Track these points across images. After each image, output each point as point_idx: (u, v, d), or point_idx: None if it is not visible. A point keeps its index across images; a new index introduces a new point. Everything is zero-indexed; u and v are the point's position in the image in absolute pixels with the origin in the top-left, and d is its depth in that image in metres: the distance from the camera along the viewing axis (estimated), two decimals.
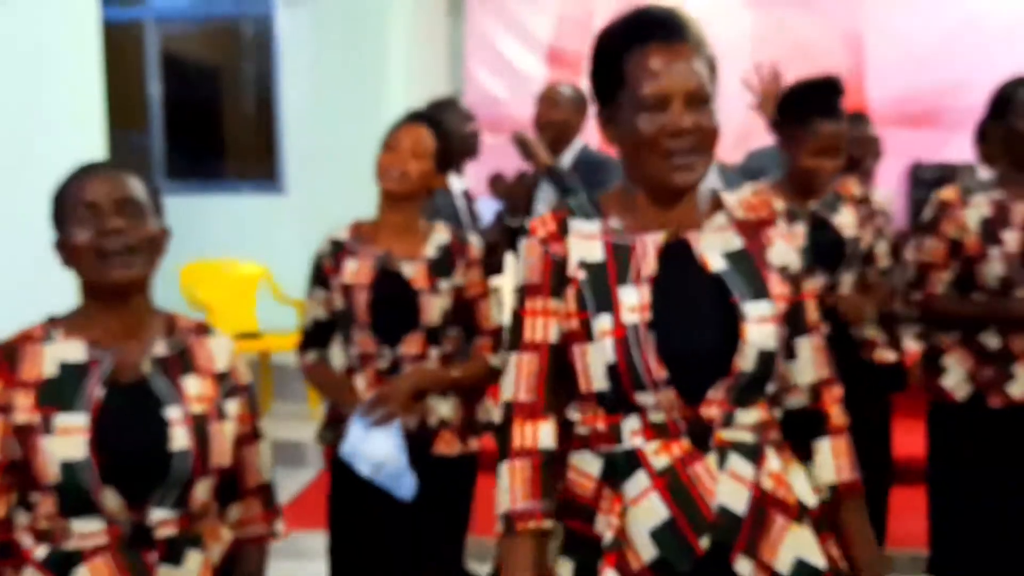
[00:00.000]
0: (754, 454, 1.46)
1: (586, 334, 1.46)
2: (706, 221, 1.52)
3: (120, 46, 7.22)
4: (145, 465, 1.53)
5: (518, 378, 1.51)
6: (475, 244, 2.53)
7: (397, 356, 2.40)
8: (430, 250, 2.44)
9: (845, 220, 2.83)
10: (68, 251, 1.55)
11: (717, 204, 1.55)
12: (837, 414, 1.58)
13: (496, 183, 4.12)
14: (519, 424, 1.50)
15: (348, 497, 2.46)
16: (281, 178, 6.74)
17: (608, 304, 1.44)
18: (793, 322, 1.54)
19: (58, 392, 1.52)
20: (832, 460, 1.55)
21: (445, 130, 2.51)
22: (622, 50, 1.46)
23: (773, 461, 1.48)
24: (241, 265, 5.93)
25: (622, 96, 1.46)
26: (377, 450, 2.28)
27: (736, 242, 1.51)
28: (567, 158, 3.58)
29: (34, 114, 3.06)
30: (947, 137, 6.41)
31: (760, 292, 1.47)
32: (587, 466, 1.49)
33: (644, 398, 1.43)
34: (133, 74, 6.99)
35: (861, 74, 7.19)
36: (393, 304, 2.39)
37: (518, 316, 1.53)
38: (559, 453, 1.52)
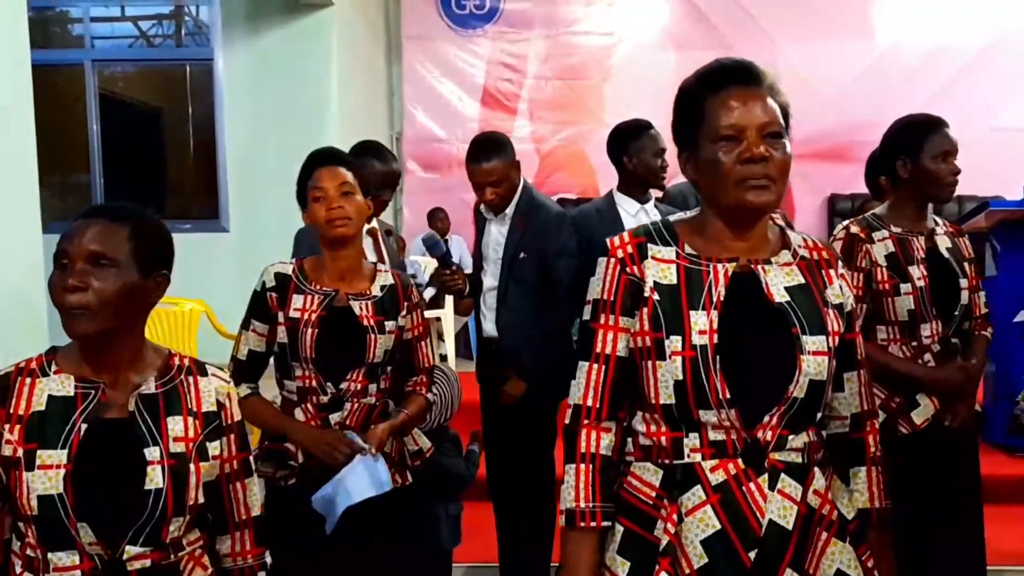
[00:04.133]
0: (802, 474, 1.55)
1: (658, 352, 1.54)
2: (773, 256, 1.61)
3: (61, 87, 7.29)
4: (119, 503, 1.54)
5: (587, 385, 1.62)
6: (416, 287, 2.59)
7: (339, 391, 2.40)
8: (376, 290, 2.46)
9: None
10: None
11: (784, 242, 1.65)
12: (875, 444, 1.68)
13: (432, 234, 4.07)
14: (585, 429, 1.61)
15: (283, 526, 2.39)
16: (223, 216, 6.86)
17: (680, 326, 1.53)
18: (843, 357, 1.62)
19: (43, 426, 1.54)
20: (867, 487, 1.66)
21: (349, 160, 2.52)
22: (705, 92, 1.56)
23: (819, 480, 1.58)
24: (182, 302, 6.00)
25: (701, 134, 1.56)
26: (354, 486, 2.33)
27: (799, 278, 1.59)
28: (513, 204, 3.52)
29: None
30: (858, 171, 6.73)
31: (818, 326, 1.55)
32: (649, 476, 1.58)
33: (707, 416, 1.52)
34: (74, 115, 7.04)
35: None
36: (341, 341, 2.38)
37: (590, 328, 1.63)
38: (620, 459, 1.63)
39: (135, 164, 7.53)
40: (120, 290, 1.56)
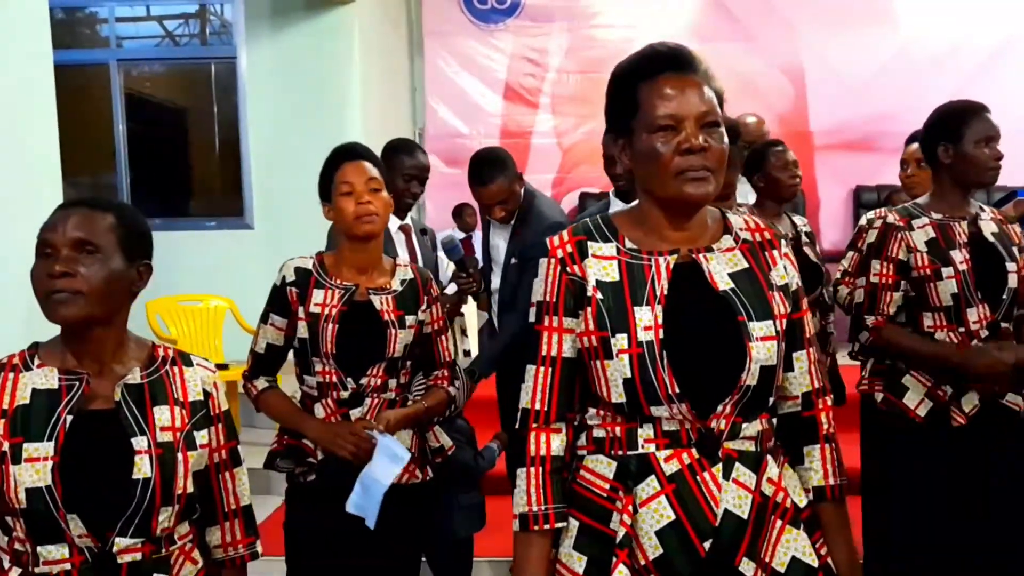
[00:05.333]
0: (756, 462, 1.55)
1: (605, 351, 1.53)
2: (714, 243, 1.60)
3: (87, 88, 7.36)
4: (108, 493, 1.55)
5: (535, 389, 1.60)
6: (435, 282, 2.60)
7: (359, 386, 2.40)
8: (396, 284, 2.46)
9: None
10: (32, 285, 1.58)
11: (724, 226, 1.63)
12: (827, 422, 1.66)
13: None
14: (534, 432, 1.60)
15: (306, 525, 2.47)
16: (248, 214, 6.90)
17: (625, 324, 1.52)
18: (791, 337, 1.61)
19: (28, 420, 1.55)
20: (821, 465, 1.64)
21: (374, 156, 2.53)
22: (637, 80, 1.54)
23: (772, 468, 1.57)
24: (207, 299, 6.05)
25: (636, 123, 1.53)
26: (379, 472, 2.33)
27: (742, 262, 1.58)
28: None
29: None
30: (884, 161, 6.70)
31: (764, 311, 1.54)
32: (602, 468, 1.57)
33: (658, 411, 1.51)
34: (100, 115, 7.10)
35: (803, 105, 7.52)
36: (361, 336, 2.38)
37: (535, 331, 1.61)
38: (571, 455, 1.62)
39: (161, 163, 7.59)
40: (107, 276, 1.57)
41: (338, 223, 2.44)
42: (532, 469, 1.59)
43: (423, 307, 2.50)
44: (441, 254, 3.68)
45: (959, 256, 2.64)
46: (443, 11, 7.89)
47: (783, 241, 1.65)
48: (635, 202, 1.65)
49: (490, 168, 3.43)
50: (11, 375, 1.59)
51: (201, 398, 1.69)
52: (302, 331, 2.39)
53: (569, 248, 1.59)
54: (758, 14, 7.57)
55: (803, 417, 1.65)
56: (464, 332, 6.27)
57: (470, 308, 5.80)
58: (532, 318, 1.63)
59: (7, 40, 3.18)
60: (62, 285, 1.53)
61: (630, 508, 1.52)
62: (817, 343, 1.70)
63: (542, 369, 1.60)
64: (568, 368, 1.60)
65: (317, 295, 2.39)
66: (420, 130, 8.02)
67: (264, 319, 2.47)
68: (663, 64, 1.53)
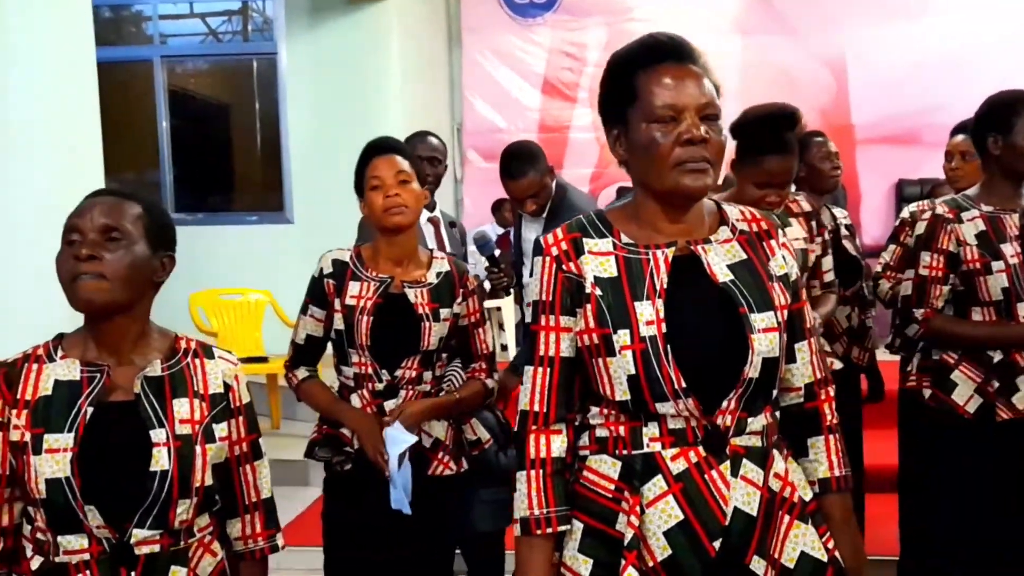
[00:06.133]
0: (762, 457, 1.52)
1: (607, 348, 1.49)
2: (711, 234, 1.57)
3: (131, 84, 7.48)
4: (126, 485, 1.55)
5: (533, 390, 1.57)
6: (472, 274, 2.60)
7: (394, 378, 2.42)
8: (431, 277, 2.48)
9: (795, 232, 2.83)
10: (56, 272, 1.59)
11: (721, 218, 1.60)
12: (830, 413, 1.63)
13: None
14: (533, 434, 1.56)
15: (343, 515, 2.50)
16: (288, 208, 6.96)
17: (626, 319, 1.48)
18: (792, 328, 1.58)
19: (49, 411, 1.56)
20: (826, 456, 1.61)
21: (405, 149, 2.54)
22: (635, 69, 1.50)
23: (778, 462, 1.54)
24: (247, 292, 6.12)
25: (632, 113, 1.50)
26: (394, 464, 2.35)
27: (740, 253, 1.55)
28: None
29: (35, 152, 3.17)
30: (928, 154, 6.60)
31: (765, 302, 1.51)
32: (606, 468, 1.53)
33: (664, 407, 1.48)
34: (144, 111, 7.20)
35: (845, 98, 7.43)
36: (395, 328, 2.40)
37: (532, 331, 1.59)
38: (573, 456, 1.59)
39: (203, 159, 7.69)
40: (131, 263, 1.58)
41: (370, 217, 2.47)
42: (532, 472, 1.56)
43: (459, 300, 2.51)
44: (472, 248, 3.69)
45: (1010, 250, 2.59)
46: (481, 6, 7.90)
47: (780, 231, 1.63)
48: (626, 198, 1.63)
49: (520, 162, 3.43)
50: (35, 366, 1.60)
51: (222, 391, 1.69)
52: (338, 323, 2.42)
53: (564, 246, 1.56)
54: (799, 6, 7.49)
55: (806, 408, 1.63)
56: (502, 327, 6.30)
57: (507, 303, 5.82)
58: (528, 318, 1.60)
59: (51, 38, 3.24)
60: (87, 268, 1.54)
61: (637, 509, 1.49)
62: (818, 333, 1.68)
63: (540, 370, 1.57)
64: (567, 368, 1.57)
65: (353, 287, 2.42)
66: (458, 125, 8.05)
67: (304, 310, 2.50)
68: (663, 53, 1.51)
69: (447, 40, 8.01)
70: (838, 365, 2.98)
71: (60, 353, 1.62)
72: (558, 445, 1.57)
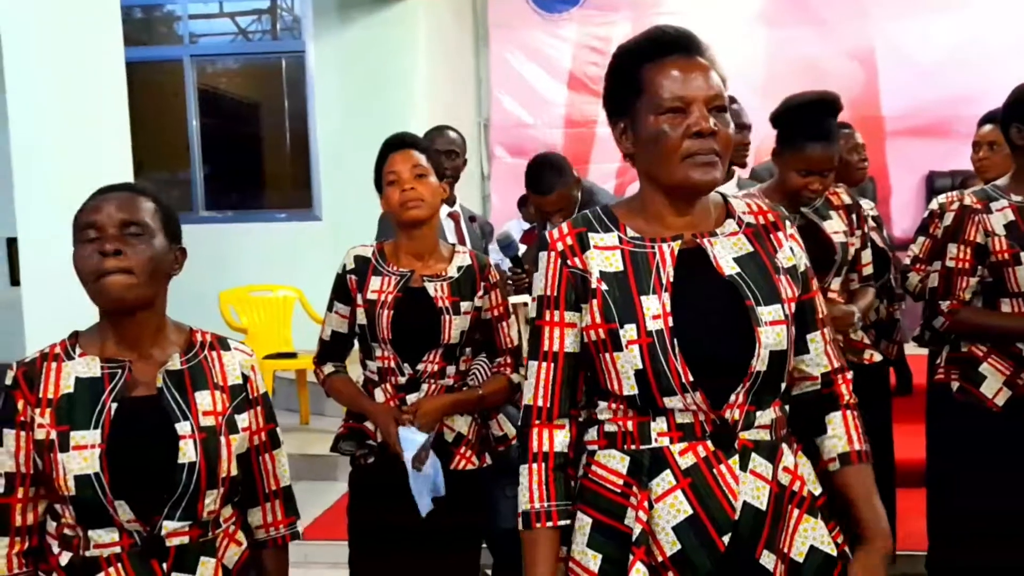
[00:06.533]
0: (771, 451, 1.50)
1: (614, 343, 1.49)
2: (717, 227, 1.56)
3: (162, 84, 7.56)
4: (154, 478, 1.56)
5: (536, 385, 1.57)
6: (494, 267, 2.62)
7: (416, 372, 2.45)
8: (452, 271, 2.49)
9: (835, 226, 2.84)
10: (76, 270, 1.58)
11: (727, 211, 1.59)
12: (848, 393, 1.62)
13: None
14: (536, 428, 1.56)
15: (368, 509, 2.49)
16: (316, 205, 7.01)
17: (632, 314, 1.48)
18: (803, 319, 1.58)
19: (72, 409, 1.57)
20: (844, 431, 1.59)
21: (423, 144, 2.56)
22: (642, 61, 1.50)
23: (788, 456, 1.53)
24: (277, 289, 6.18)
25: (639, 106, 1.49)
26: (409, 464, 2.39)
27: (747, 246, 1.54)
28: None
29: (63, 152, 3.21)
30: (958, 146, 6.52)
31: (771, 295, 1.50)
32: (614, 463, 1.52)
33: (672, 402, 1.47)
34: (176, 110, 7.28)
35: (874, 90, 7.35)
36: (416, 322, 2.42)
37: (536, 326, 1.58)
38: (582, 451, 1.59)
39: (233, 157, 7.76)
40: (154, 256, 1.59)
41: (388, 211, 2.50)
42: (534, 465, 1.56)
43: (480, 293, 2.51)
44: (493, 246, 3.69)
45: None
46: (508, 2, 7.90)
47: (788, 222, 1.61)
48: (631, 194, 1.62)
49: (551, 176, 3.42)
50: (54, 364, 1.61)
51: (240, 382, 1.71)
52: (361, 317, 2.45)
53: (569, 240, 1.55)
54: None
55: (823, 394, 1.62)
56: (528, 322, 6.31)
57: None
58: (533, 313, 1.59)
59: (80, 38, 3.29)
60: (113, 264, 1.54)
61: (646, 504, 1.48)
62: (831, 323, 1.67)
63: (543, 365, 1.57)
64: (570, 363, 1.56)
65: (374, 282, 2.45)
66: (485, 121, 8.06)
67: (330, 307, 2.54)
68: (670, 46, 1.50)
69: (474, 36, 8.02)
70: (878, 358, 2.96)
71: (78, 351, 1.63)
72: (560, 440, 1.57)
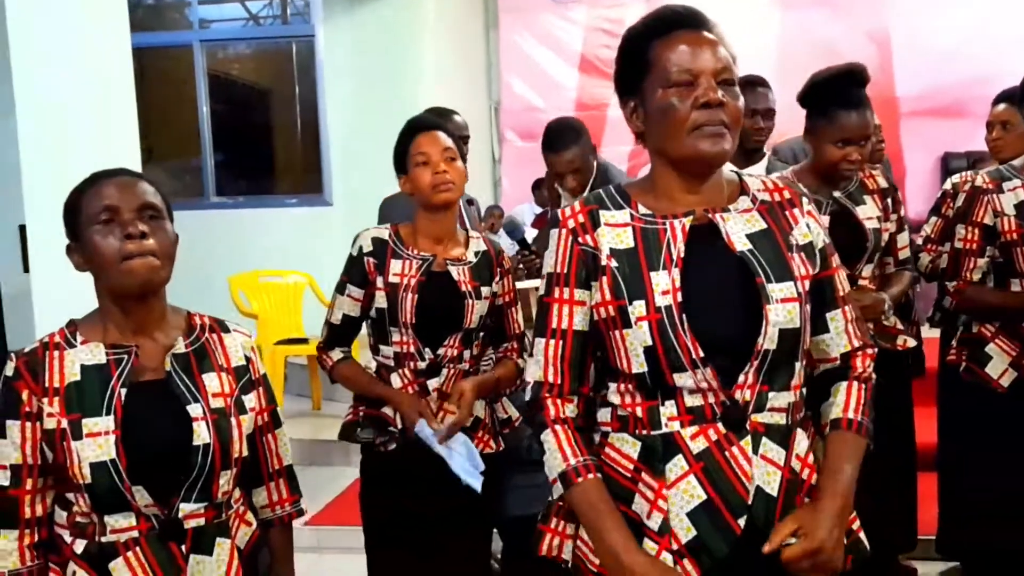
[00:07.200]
0: (784, 436, 1.49)
1: (623, 320, 1.48)
2: (730, 204, 1.54)
3: (172, 69, 7.56)
4: (170, 461, 1.57)
5: (546, 362, 1.56)
6: (507, 253, 2.61)
7: (437, 356, 2.42)
8: (470, 255, 2.48)
9: (868, 211, 2.79)
10: (89, 257, 1.57)
11: (740, 187, 1.58)
12: (864, 367, 1.59)
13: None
14: (550, 399, 1.56)
15: (383, 496, 2.47)
16: (327, 191, 7.00)
17: (642, 290, 1.46)
18: (821, 297, 1.56)
19: (82, 396, 1.56)
20: (844, 399, 1.56)
21: (449, 127, 2.53)
22: (650, 38, 1.50)
23: (801, 442, 1.51)
24: (287, 274, 6.18)
25: (648, 82, 1.49)
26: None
27: (760, 223, 1.53)
28: (589, 187, 3.53)
29: (70, 134, 3.22)
30: (974, 127, 6.46)
31: (783, 273, 1.48)
32: (627, 448, 1.52)
33: (682, 379, 1.45)
34: (186, 97, 7.28)
35: (889, 71, 7.27)
36: (439, 306, 2.40)
37: (544, 304, 1.57)
38: (595, 431, 1.58)
39: (244, 143, 7.77)
40: (172, 240, 1.62)
41: (415, 193, 2.46)
42: (557, 427, 1.55)
43: (496, 278, 2.51)
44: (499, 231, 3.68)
45: None
46: None
47: (804, 199, 1.60)
48: (644, 172, 1.61)
49: (564, 136, 3.41)
50: (56, 353, 1.59)
51: (244, 363, 1.72)
52: (380, 301, 2.41)
53: (581, 218, 1.55)
54: None
55: (841, 369, 1.60)
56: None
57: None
58: (542, 290, 1.58)
59: (87, 25, 3.28)
60: (139, 247, 1.54)
61: (664, 493, 1.47)
62: (853, 300, 1.64)
63: (551, 342, 1.56)
64: (579, 341, 1.55)
65: (395, 265, 2.41)
66: (495, 105, 8.02)
67: (340, 290, 2.48)
68: (677, 22, 1.51)
69: (484, 19, 7.98)
70: (911, 343, 2.91)
71: (80, 339, 1.62)
72: (571, 410, 1.57)
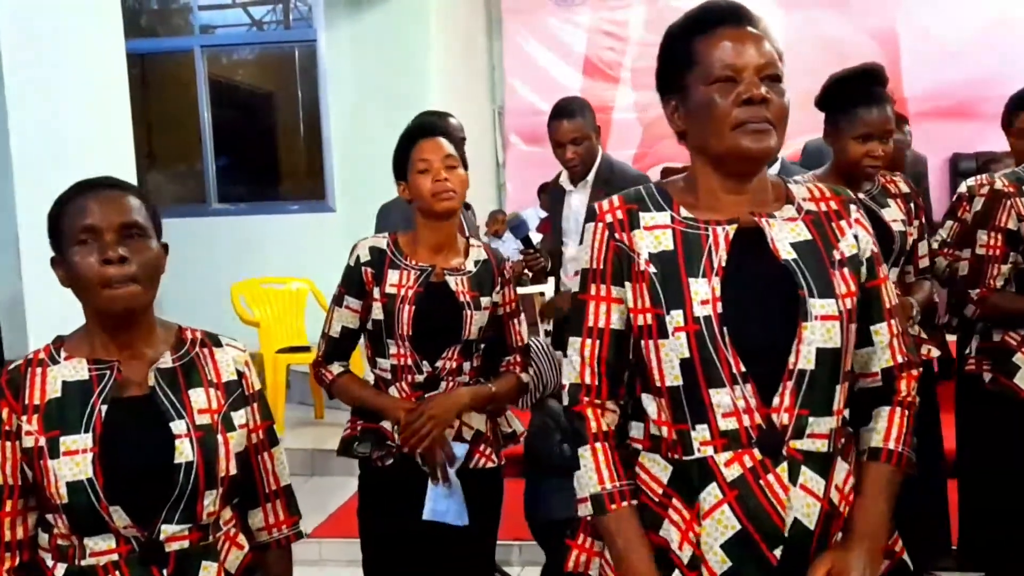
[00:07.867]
0: (825, 465, 1.42)
1: (660, 330, 1.42)
2: (776, 211, 1.48)
3: (174, 75, 7.52)
4: (150, 480, 1.51)
5: (583, 362, 1.50)
6: (508, 262, 2.54)
7: (435, 369, 2.36)
8: (470, 265, 2.42)
9: (893, 215, 2.74)
10: (69, 275, 1.52)
11: (785, 195, 1.52)
12: (908, 390, 1.52)
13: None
14: (591, 408, 1.50)
15: (381, 512, 2.42)
16: (329, 196, 6.94)
17: (680, 298, 1.41)
18: (867, 310, 1.49)
19: (62, 413, 1.51)
20: (886, 427, 1.50)
21: (450, 133, 2.48)
22: (693, 34, 1.46)
23: (840, 472, 1.45)
24: (289, 281, 6.12)
25: (691, 79, 1.45)
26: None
27: (805, 233, 1.47)
28: (593, 173, 3.52)
29: (63, 142, 3.18)
30: (983, 128, 6.40)
31: (825, 289, 1.42)
32: (657, 470, 1.47)
33: (719, 396, 1.39)
34: (188, 101, 7.23)
35: (897, 71, 7.20)
36: (437, 318, 2.34)
37: (580, 301, 1.52)
38: (627, 447, 1.53)
39: (246, 148, 7.72)
40: (155, 260, 1.55)
41: (415, 201, 2.40)
42: (597, 445, 1.48)
43: (497, 288, 2.44)
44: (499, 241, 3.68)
45: None
46: None
47: (853, 207, 1.53)
48: (681, 175, 1.55)
49: (570, 105, 3.49)
50: (39, 370, 1.55)
51: (235, 378, 1.66)
52: (377, 313, 2.35)
53: (620, 214, 1.49)
54: None
55: (882, 388, 1.53)
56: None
57: (549, 287, 5.75)
58: (577, 288, 1.53)
59: (80, 29, 3.26)
60: (119, 273, 1.49)
61: (695, 526, 1.41)
62: (901, 314, 1.57)
63: (588, 341, 1.50)
64: (616, 340, 1.49)
65: (392, 276, 2.35)
66: (499, 108, 7.98)
67: (338, 301, 2.42)
68: (721, 18, 1.46)
69: (487, 22, 7.94)
70: (935, 353, 2.85)
71: (63, 355, 1.57)
72: (610, 420, 1.51)
